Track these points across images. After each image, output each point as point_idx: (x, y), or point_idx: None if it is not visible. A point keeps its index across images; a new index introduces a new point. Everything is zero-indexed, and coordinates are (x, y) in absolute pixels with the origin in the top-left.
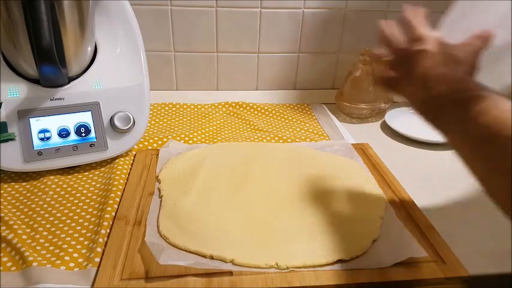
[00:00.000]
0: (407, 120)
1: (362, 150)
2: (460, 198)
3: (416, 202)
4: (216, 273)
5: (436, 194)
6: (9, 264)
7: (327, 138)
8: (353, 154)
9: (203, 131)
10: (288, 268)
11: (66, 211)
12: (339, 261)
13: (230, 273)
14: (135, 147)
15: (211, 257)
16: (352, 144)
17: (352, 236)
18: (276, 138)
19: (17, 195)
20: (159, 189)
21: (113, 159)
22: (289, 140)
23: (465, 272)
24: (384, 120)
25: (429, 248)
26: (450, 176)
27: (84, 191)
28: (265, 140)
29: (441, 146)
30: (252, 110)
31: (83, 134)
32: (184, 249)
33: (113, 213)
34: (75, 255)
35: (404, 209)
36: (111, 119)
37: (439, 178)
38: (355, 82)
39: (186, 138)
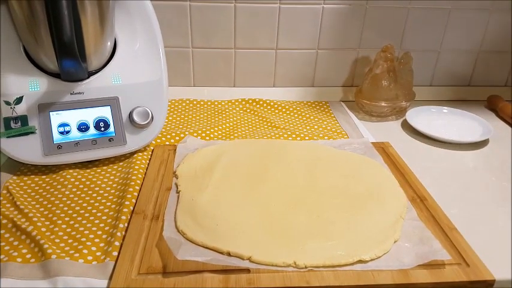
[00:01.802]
0: (429, 119)
1: (382, 149)
2: (484, 199)
3: (439, 203)
4: (234, 270)
5: (458, 195)
6: (28, 256)
7: (346, 136)
8: (373, 153)
9: (220, 127)
10: (306, 267)
11: (84, 204)
12: (359, 261)
13: (247, 270)
14: (153, 142)
15: (229, 254)
16: (372, 142)
17: (373, 237)
18: (294, 135)
19: (37, 187)
20: (176, 185)
21: (131, 154)
22: (306, 138)
23: (490, 276)
24: (405, 119)
25: (452, 250)
26: (473, 176)
27: (103, 185)
28: (282, 138)
29: (464, 145)
30: (269, 107)
31: (102, 129)
32: (202, 245)
33: (131, 208)
34: (93, 248)
35: (426, 209)
36: (130, 114)
37: (461, 178)
38: (375, 79)
39: (203, 135)
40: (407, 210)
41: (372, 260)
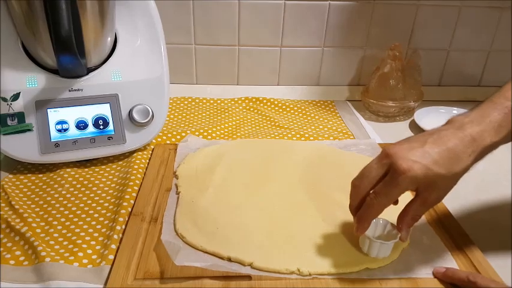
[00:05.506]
0: (438, 119)
1: None
2: (497, 205)
3: (449, 208)
4: (234, 277)
5: (469, 200)
6: (21, 258)
7: (352, 136)
8: None
9: (222, 126)
10: (310, 275)
11: (81, 205)
12: (365, 269)
13: (249, 277)
14: (153, 141)
15: (229, 259)
16: (379, 144)
17: None
18: (298, 135)
19: (33, 187)
20: (176, 186)
21: (131, 153)
22: (311, 138)
23: (502, 284)
24: (413, 119)
25: (463, 258)
26: (484, 180)
27: (101, 185)
28: (286, 137)
29: None
30: (273, 105)
31: (101, 127)
32: (201, 250)
33: (129, 209)
34: (89, 251)
35: (436, 214)
36: (130, 112)
37: (471, 181)
38: (383, 78)
39: (205, 134)
40: None
41: (379, 267)
